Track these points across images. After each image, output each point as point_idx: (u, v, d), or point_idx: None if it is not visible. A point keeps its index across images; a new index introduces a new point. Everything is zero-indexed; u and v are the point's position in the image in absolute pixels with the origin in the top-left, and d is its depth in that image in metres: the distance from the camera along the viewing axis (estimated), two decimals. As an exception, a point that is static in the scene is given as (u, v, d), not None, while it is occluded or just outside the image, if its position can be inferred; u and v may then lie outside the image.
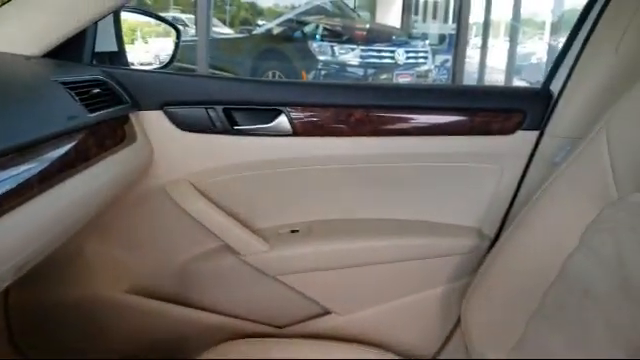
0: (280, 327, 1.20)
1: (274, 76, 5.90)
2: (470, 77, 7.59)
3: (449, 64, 6.50)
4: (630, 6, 1.00)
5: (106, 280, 1.19)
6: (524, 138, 1.12)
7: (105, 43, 1.18)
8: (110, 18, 1.22)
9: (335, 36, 6.01)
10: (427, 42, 6.70)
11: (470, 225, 1.17)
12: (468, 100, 1.14)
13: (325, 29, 6.05)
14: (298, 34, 6.06)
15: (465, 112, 1.12)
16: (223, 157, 1.12)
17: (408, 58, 6.03)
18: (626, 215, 0.83)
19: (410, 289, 1.17)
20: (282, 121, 1.10)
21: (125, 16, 1.31)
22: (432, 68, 6.24)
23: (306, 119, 1.10)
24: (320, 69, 5.69)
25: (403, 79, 6.00)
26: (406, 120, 1.12)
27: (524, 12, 7.59)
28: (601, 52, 1.05)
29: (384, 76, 6.01)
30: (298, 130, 1.10)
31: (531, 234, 0.95)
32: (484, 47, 8.12)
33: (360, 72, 5.87)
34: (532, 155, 1.13)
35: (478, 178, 1.15)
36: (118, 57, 1.21)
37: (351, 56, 5.83)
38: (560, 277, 0.90)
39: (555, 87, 1.13)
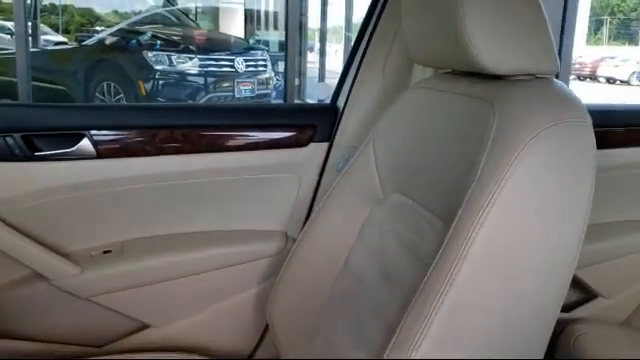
0: (99, 346, 1.22)
1: (109, 87, 5.67)
2: (312, 82, 7.96)
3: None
4: (390, 33, 1.18)
5: None
6: (317, 149, 1.26)
7: None
8: None
9: (172, 45, 5.93)
10: (266, 51, 6.86)
11: (276, 229, 1.28)
12: (267, 117, 1.25)
13: (161, 38, 5.95)
14: (133, 43, 5.87)
15: (264, 128, 1.23)
16: (27, 184, 1.11)
17: (248, 67, 6.13)
18: (388, 213, 0.98)
19: (224, 295, 1.25)
20: (85, 144, 1.12)
21: None
22: (272, 76, 6.41)
23: (109, 141, 1.13)
24: (158, 79, 5.58)
25: (244, 87, 6.09)
26: (210, 138, 1.20)
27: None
28: (372, 72, 1.21)
29: (226, 84, 6.04)
30: (102, 152, 1.13)
31: (321, 233, 1.07)
32: (322, 53, 8.58)
33: (200, 81, 5.85)
34: (325, 164, 1.26)
35: (280, 187, 1.27)
36: None
37: (190, 65, 5.79)
38: (344, 269, 1.04)
39: (341, 102, 1.28)
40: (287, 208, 1.28)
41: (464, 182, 0.72)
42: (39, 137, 1.11)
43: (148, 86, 5.56)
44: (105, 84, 5.67)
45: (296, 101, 4.36)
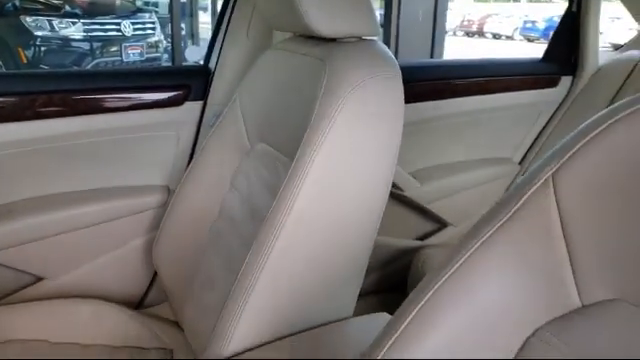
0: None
1: (-17, 55, 5.34)
2: (206, 42, 7.83)
3: (183, 32, 6.65)
4: (250, 1, 1.31)
5: None
6: (192, 108, 1.37)
7: None
8: None
9: (53, 9, 5.65)
10: (154, 13, 6.68)
11: (159, 184, 1.40)
12: (142, 79, 1.35)
13: (40, 2, 5.64)
14: (9, 7, 5.53)
15: (140, 90, 1.32)
16: None
17: (136, 30, 5.98)
18: (254, 161, 1.13)
19: (114, 245, 1.35)
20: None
21: None
22: (162, 39, 6.29)
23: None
24: (39, 45, 5.31)
25: (133, 51, 5.94)
26: (89, 101, 1.28)
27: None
28: (238, 36, 1.34)
29: (113, 49, 5.87)
30: None
31: (197, 184, 1.19)
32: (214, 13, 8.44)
33: (86, 46, 5.64)
34: (200, 121, 1.39)
35: (160, 144, 1.37)
36: None
37: (73, 30, 5.56)
38: (219, 213, 1.18)
39: (212, 64, 1.40)
40: (168, 164, 1.39)
41: (304, 128, 0.88)
42: None
43: (29, 53, 5.29)
44: (-20, 50, 5.32)
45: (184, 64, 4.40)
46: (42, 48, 5.36)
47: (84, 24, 5.60)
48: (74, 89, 1.26)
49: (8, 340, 1.11)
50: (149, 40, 6.16)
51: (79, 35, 5.61)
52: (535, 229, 0.54)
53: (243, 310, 0.83)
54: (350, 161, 0.86)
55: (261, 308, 0.84)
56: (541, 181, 0.53)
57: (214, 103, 1.36)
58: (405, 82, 0.92)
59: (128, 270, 1.37)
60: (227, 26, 1.35)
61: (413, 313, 0.54)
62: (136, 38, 6.00)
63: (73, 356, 1.14)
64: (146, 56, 5.99)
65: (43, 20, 5.37)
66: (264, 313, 0.85)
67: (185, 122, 1.38)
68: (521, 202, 0.54)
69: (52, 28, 5.42)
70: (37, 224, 1.26)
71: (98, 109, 1.29)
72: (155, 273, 1.39)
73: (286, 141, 1.00)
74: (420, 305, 0.54)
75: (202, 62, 1.45)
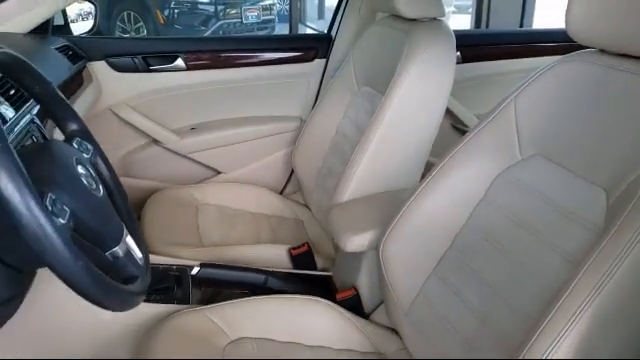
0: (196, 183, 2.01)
1: (129, 16, 6.27)
2: (313, 3, 8.47)
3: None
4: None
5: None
6: (319, 64, 2.00)
7: (56, 18, 1.84)
8: None
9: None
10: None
11: (295, 115, 2.05)
12: (287, 42, 2.00)
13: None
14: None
15: (285, 50, 1.98)
16: (144, 86, 1.88)
17: (253, -7, 6.71)
18: (359, 97, 1.65)
19: (266, 153, 2.03)
20: (179, 62, 1.87)
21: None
22: (275, 2, 6.97)
23: (193, 60, 1.88)
24: (173, 8, 6.19)
25: (251, 13, 6.67)
26: (251, 57, 1.95)
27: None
28: (352, 13, 1.94)
29: (234, 11, 6.63)
30: (189, 67, 1.88)
31: (322, 113, 1.69)
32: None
33: (211, 9, 6.44)
34: (324, 73, 2.01)
35: (296, 88, 2.02)
36: (65, 28, 1.87)
37: (201, -6, 6.38)
38: (336, 132, 1.79)
39: (333, 32, 2.01)
40: (301, 101, 2.04)
41: (392, 77, 1.46)
42: (151, 57, 1.86)
43: (165, 15, 6.16)
44: (125, 14, 6.27)
45: (299, 25, 5.11)
46: (176, 11, 6.23)
47: (211, -12, 6.39)
48: (238, 48, 1.94)
49: (240, 338, 1.14)
50: (263, 3, 6.86)
51: (206, -1, 6.41)
52: (499, 127, 1.04)
53: (354, 175, 1.43)
54: (417, 99, 1.43)
55: (362, 177, 1.44)
56: (507, 101, 1.08)
57: (334, 60, 1.98)
58: (459, 47, 1.48)
59: (275, 170, 2.06)
60: (345, 7, 1.95)
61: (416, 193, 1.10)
62: (253, 1, 6.71)
63: (301, 357, 1.14)
64: (262, 18, 6.71)
65: (177, -14, 6.21)
66: (365, 180, 1.45)
67: (313, 73, 2.01)
68: (492, 116, 1.05)
69: (184, -8, 6.25)
70: (220, 137, 1.96)
71: (256, 63, 1.96)
72: (292, 171, 2.05)
73: (380, 85, 1.58)
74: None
75: (325, 31, 2.08)
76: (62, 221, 0.66)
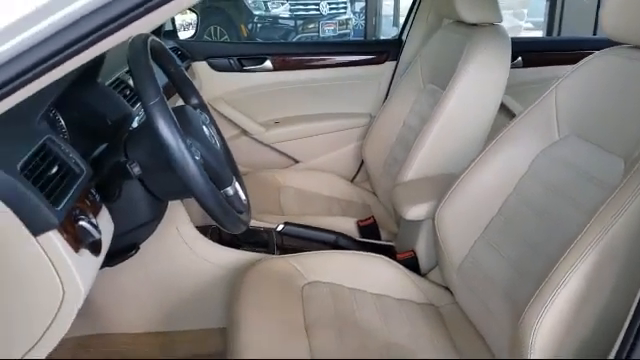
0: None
1: (215, 30, 6.76)
2: (388, 19, 8.73)
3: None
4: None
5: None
6: (389, 65, 2.24)
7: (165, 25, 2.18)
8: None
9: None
10: (345, -6, 7.69)
11: (366, 112, 2.29)
12: (361, 47, 2.25)
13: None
14: (235, -9, 6.88)
15: (359, 54, 2.23)
16: (238, 84, 2.18)
17: (331, 9, 7.03)
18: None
19: (338, 146, 2.28)
20: (267, 64, 2.17)
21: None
22: (351, 17, 7.28)
23: (279, 62, 2.17)
24: (256, 22, 6.62)
25: (328, 27, 7.01)
26: (327, 60, 2.22)
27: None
28: (421, 21, 2.16)
29: (311, 25, 6.98)
30: (275, 68, 2.17)
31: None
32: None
33: (291, 23, 6.83)
34: (393, 74, 2.24)
35: (366, 88, 2.26)
36: (173, 33, 2.21)
37: (282, 10, 6.77)
38: (403, 125, 2.01)
39: (404, 37, 2.24)
40: (371, 99, 2.28)
41: (453, 74, 1.67)
42: (245, 59, 2.16)
43: (248, 28, 6.60)
44: (212, 28, 6.76)
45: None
46: (258, 25, 6.64)
47: (290, 4, 6.77)
48: (319, 52, 2.21)
49: (315, 281, 1.36)
50: (340, 18, 7.18)
51: (286, 14, 6.80)
52: (542, 113, 1.22)
53: (415, 158, 1.64)
54: (474, 94, 1.62)
55: (423, 160, 1.65)
56: (548, 90, 1.25)
57: (404, 61, 2.21)
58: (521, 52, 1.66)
59: (347, 160, 2.30)
60: (414, 14, 2.18)
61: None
62: (330, 16, 7.04)
63: (366, 301, 1.33)
64: (338, 32, 7.02)
65: (260, 1, 6.63)
66: (425, 163, 1.65)
67: (384, 74, 2.25)
68: (535, 104, 1.23)
69: (266, 8, 6.67)
70: (299, 130, 2.23)
71: (333, 65, 2.22)
72: (362, 162, 2.28)
73: (443, 82, 1.75)
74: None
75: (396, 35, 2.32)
76: (197, 158, 0.93)
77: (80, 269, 0.80)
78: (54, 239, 0.77)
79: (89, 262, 0.86)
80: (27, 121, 0.86)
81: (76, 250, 0.82)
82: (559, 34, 3.60)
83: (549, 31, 3.54)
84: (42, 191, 0.77)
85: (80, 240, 0.83)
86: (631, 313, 0.77)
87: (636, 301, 0.77)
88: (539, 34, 7.10)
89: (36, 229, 0.75)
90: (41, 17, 0.60)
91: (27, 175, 0.76)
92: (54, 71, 0.65)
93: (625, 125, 1.03)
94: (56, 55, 0.62)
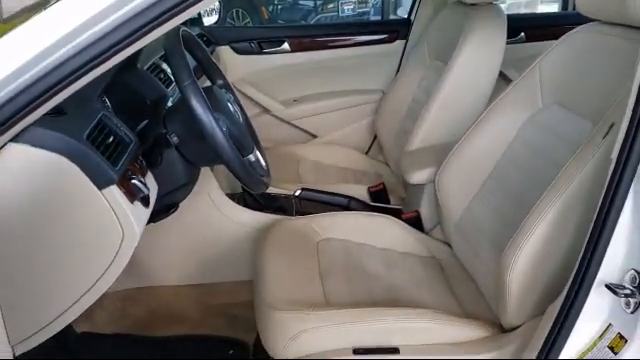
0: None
1: (237, 13, 6.92)
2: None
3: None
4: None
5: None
6: (399, 44, 2.39)
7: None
8: None
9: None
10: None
11: (378, 88, 2.45)
12: (373, 27, 2.41)
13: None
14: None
15: (372, 33, 2.39)
16: (259, 65, 2.37)
17: (349, -12, 7.14)
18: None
19: (352, 121, 2.45)
20: (285, 46, 2.35)
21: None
22: (370, -5, 7.38)
23: (296, 44, 2.35)
24: (277, 4, 6.76)
25: (347, 6, 7.11)
26: (340, 41, 2.39)
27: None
28: (426, 1, 2.31)
29: (330, 5, 7.09)
30: (293, 49, 2.35)
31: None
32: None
33: (310, 3, 6.95)
34: (403, 51, 2.40)
35: (378, 65, 2.42)
36: (198, 20, 2.40)
37: (301, -10, 6.91)
38: (412, 98, 2.17)
39: (412, 17, 2.39)
40: (382, 76, 2.44)
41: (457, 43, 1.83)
42: (264, 42, 2.34)
43: (269, 10, 6.74)
44: (234, 10, 6.92)
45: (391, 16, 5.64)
46: (279, 7, 6.79)
47: (310, -15, 6.89)
48: (333, 33, 2.38)
49: (329, 238, 1.54)
50: (358, -4, 7.26)
51: (305, -6, 6.92)
52: (528, 84, 1.38)
53: (421, 129, 1.81)
54: (472, 68, 1.77)
55: (428, 130, 1.82)
56: (534, 64, 1.40)
57: (412, 40, 2.37)
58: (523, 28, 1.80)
59: (361, 134, 2.47)
60: (422, -4, 2.33)
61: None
62: (349, -5, 7.13)
63: (373, 254, 1.50)
64: (357, 11, 7.11)
65: (280, -16, 6.77)
66: (429, 132, 1.82)
67: (394, 52, 2.41)
68: (522, 76, 1.38)
69: (286, -11, 6.80)
70: (316, 107, 2.41)
71: (347, 45, 2.39)
72: (375, 137, 2.46)
73: (446, 58, 1.90)
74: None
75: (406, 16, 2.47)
76: (224, 129, 1.12)
77: (135, 216, 1.00)
78: (114, 192, 0.96)
79: (141, 211, 1.06)
80: (88, 100, 1.05)
81: (131, 202, 1.01)
82: (574, 9, 3.67)
83: (564, 6, 3.63)
84: (103, 155, 0.96)
85: (133, 194, 1.02)
86: (581, 253, 0.93)
87: (586, 240, 0.93)
88: (555, 9, 7.12)
89: (100, 183, 0.94)
90: (109, 13, 0.79)
91: (92, 142, 0.95)
92: (113, 58, 0.83)
93: (595, 93, 1.17)
94: (115, 46, 0.81)
